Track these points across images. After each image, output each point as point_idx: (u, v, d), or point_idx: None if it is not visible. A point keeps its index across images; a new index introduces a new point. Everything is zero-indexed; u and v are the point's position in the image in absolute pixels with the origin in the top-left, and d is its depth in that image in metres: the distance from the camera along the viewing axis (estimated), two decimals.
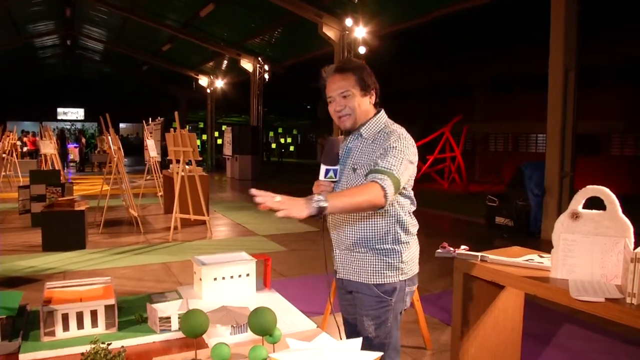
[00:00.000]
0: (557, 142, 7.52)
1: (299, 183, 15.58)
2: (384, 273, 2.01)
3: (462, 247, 3.02)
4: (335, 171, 2.05)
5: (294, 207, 1.66)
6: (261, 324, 1.42)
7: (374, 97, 2.05)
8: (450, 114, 15.77)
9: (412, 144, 1.97)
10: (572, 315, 4.25)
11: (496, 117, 18.51)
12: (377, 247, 2.01)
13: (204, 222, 7.85)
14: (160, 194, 10.17)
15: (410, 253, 2.07)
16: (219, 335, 1.64)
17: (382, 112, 2.08)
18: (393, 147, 1.90)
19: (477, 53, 18.05)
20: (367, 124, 2.03)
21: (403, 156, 1.89)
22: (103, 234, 7.66)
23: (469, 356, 3.02)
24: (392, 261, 2.01)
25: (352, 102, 2.00)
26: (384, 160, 1.87)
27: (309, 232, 8.11)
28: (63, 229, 6.51)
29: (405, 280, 2.05)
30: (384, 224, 2.00)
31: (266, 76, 17.67)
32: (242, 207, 10.73)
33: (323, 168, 2.05)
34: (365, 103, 2.02)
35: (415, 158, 1.98)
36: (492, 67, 18.31)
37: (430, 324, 3.94)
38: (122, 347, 1.38)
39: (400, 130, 2.00)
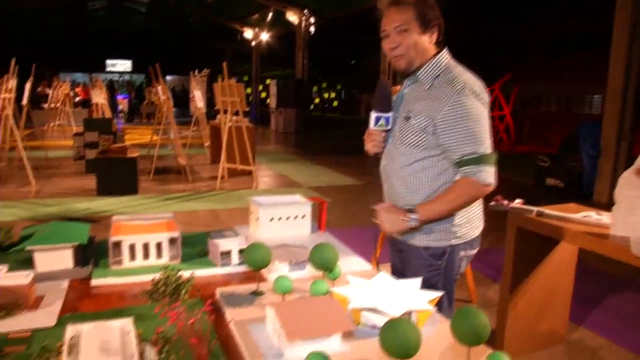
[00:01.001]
0: (618, 101, 7.16)
1: (341, 138, 15.55)
2: (433, 235, 1.85)
3: (517, 200, 2.97)
4: (387, 119, 1.87)
5: (387, 222, 1.82)
6: (322, 260, 1.44)
7: (435, 35, 1.79)
8: (500, 72, 15.23)
9: (481, 90, 1.74)
10: (627, 279, 4.15)
11: (548, 76, 17.75)
12: None
13: (249, 173, 7.97)
14: (207, 144, 10.34)
15: (467, 215, 1.86)
16: (277, 271, 1.68)
17: (445, 52, 1.82)
18: (465, 113, 1.68)
19: (531, 9, 17.18)
20: (425, 66, 1.79)
21: (479, 119, 1.70)
22: (153, 180, 7.91)
23: (517, 311, 3.01)
24: (443, 223, 1.83)
25: (408, 39, 1.75)
26: (465, 142, 1.69)
27: (353, 185, 8.15)
28: (116, 175, 6.75)
29: (458, 244, 1.87)
30: (437, 183, 1.81)
31: (312, 29, 17.42)
32: (286, 159, 10.83)
33: (373, 115, 1.87)
34: (424, 41, 1.77)
35: (487, 108, 1.75)
36: (547, 24, 17.43)
37: (476, 279, 3.93)
38: (192, 273, 1.43)
39: (464, 76, 1.75)
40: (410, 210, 1.77)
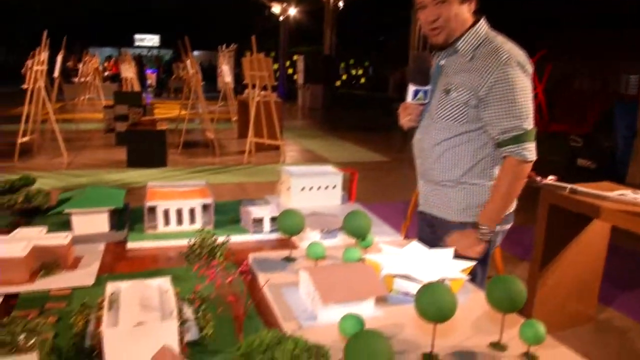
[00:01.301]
0: None
1: (368, 115, 15.44)
2: (470, 210, 1.81)
3: (550, 177, 2.92)
4: (425, 92, 1.81)
5: (469, 250, 1.74)
6: (356, 227, 1.44)
7: (473, 4, 1.72)
8: (534, 49, 14.83)
9: (525, 61, 1.67)
10: None
11: (584, 54, 17.22)
12: (465, 181, 1.80)
13: (276, 147, 7.99)
14: (234, 119, 10.38)
15: None
16: (309, 239, 1.69)
17: (482, 21, 1.73)
18: (511, 87, 1.62)
19: None
20: (463, 37, 1.71)
21: (525, 93, 1.64)
22: (182, 154, 8.01)
23: (546, 288, 2.98)
24: (482, 198, 1.79)
25: (448, 10, 1.66)
26: (509, 117, 1.63)
27: (380, 161, 8.12)
28: (146, 147, 6.85)
29: None
30: (475, 158, 1.77)
31: (340, 4, 17.20)
32: (313, 135, 10.83)
33: (411, 88, 1.81)
34: (463, 11, 1.69)
35: (530, 80, 1.68)
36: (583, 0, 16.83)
37: (503, 258, 3.89)
38: (228, 236, 1.45)
39: (507, 45, 1.67)
40: (476, 226, 1.75)
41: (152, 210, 1.75)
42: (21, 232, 1.55)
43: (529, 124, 1.67)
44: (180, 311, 1.06)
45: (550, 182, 2.87)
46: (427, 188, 1.93)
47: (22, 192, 1.80)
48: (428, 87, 1.81)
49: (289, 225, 1.43)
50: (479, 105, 1.69)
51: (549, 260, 2.95)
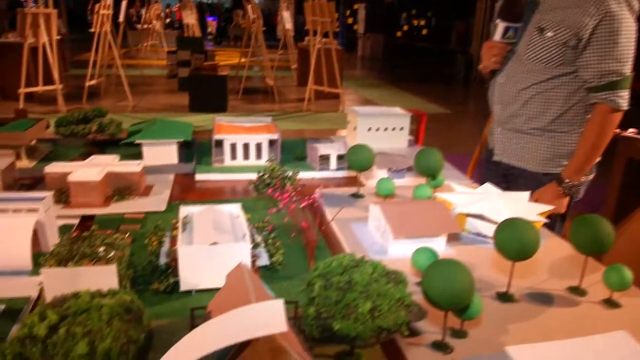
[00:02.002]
0: None
1: (429, 67, 14.96)
2: (556, 161, 1.70)
3: (630, 130, 2.74)
4: (516, 30, 1.65)
5: (552, 204, 1.60)
6: (428, 164, 1.39)
7: None
8: None
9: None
10: None
11: None
12: (553, 129, 1.67)
13: (336, 96, 7.90)
14: (294, 66, 10.31)
15: None
16: (376, 177, 1.65)
17: None
18: (617, 27, 1.47)
19: None
20: None
21: (630, 35, 1.49)
22: (242, 100, 8.06)
23: (615, 248, 2.84)
24: (569, 147, 1.68)
25: None
26: (609, 60, 1.49)
27: (442, 113, 7.91)
28: (208, 92, 6.93)
29: None
30: (567, 104, 1.64)
31: None
32: (372, 85, 10.66)
33: (501, 25, 1.66)
34: None
35: (636, 17, 1.52)
36: None
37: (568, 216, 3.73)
38: (297, 170, 1.44)
39: None
40: (559, 181, 1.66)
41: (219, 143, 1.75)
42: (96, 158, 1.59)
43: (628, 69, 1.53)
44: (251, 236, 1.06)
45: (630, 134, 2.69)
46: (506, 136, 1.81)
47: (95, 122, 1.84)
48: (519, 25, 1.65)
49: (359, 159, 1.39)
50: (579, 46, 1.54)
51: (621, 218, 2.80)
